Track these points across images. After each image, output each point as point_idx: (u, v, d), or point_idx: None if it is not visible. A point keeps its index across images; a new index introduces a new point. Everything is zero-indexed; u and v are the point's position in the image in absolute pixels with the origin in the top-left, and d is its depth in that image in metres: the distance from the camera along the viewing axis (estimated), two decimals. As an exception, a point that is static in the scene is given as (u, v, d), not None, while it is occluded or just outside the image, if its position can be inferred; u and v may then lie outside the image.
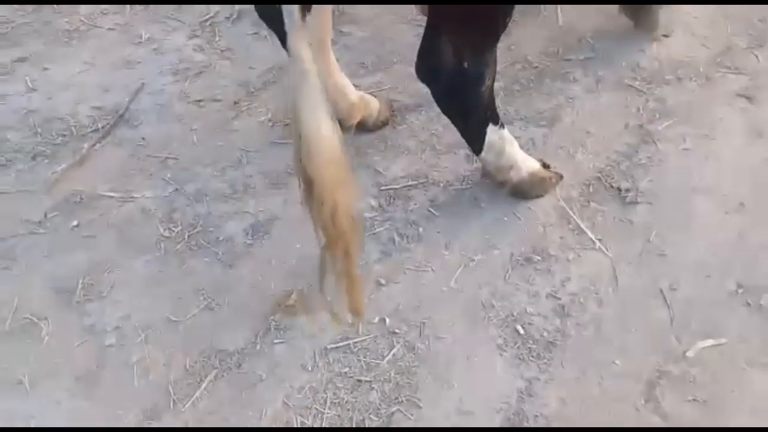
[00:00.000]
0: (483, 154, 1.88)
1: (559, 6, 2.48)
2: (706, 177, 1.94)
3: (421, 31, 2.39)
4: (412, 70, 2.31)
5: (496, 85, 2.14)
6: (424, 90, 2.24)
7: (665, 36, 2.33)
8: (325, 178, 1.43)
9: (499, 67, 2.29)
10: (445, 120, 2.17)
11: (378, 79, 2.36)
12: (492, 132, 1.83)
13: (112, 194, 2.09)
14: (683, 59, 2.24)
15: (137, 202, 2.07)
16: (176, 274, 1.91)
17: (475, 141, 1.86)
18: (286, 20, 1.45)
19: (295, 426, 1.61)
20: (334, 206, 1.44)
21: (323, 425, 1.60)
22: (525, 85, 2.28)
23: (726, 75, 2.18)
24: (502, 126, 1.87)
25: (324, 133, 1.43)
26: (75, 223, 2.03)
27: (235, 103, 2.33)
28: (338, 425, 1.61)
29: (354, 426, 1.60)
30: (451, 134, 2.13)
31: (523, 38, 2.41)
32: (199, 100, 2.35)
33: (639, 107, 2.14)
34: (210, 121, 2.29)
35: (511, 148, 1.90)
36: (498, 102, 2.17)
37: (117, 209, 2.05)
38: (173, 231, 2.00)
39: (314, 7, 1.56)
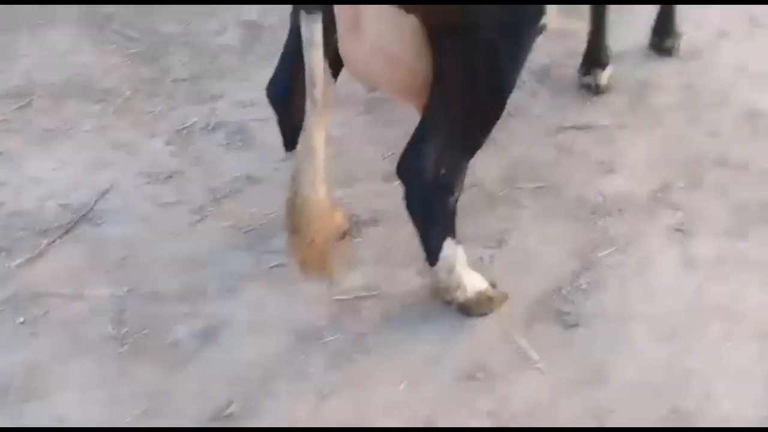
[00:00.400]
0: (436, 267, 1.96)
1: (514, 137, 2.66)
2: (643, 304, 2.03)
3: (384, 152, 2.61)
4: (373, 187, 2.48)
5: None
6: (383, 207, 2.39)
7: (611, 171, 2.49)
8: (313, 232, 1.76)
9: (456, 187, 2.46)
10: (401, 236, 2.28)
11: (340, 194, 2.47)
12: (448, 246, 1.93)
13: (63, 292, 2.11)
14: (625, 194, 2.39)
15: (88, 301, 2.09)
16: (118, 376, 1.90)
17: (432, 251, 1.94)
18: (308, 107, 1.72)
19: None
20: (319, 255, 1.79)
21: None
22: (479, 208, 2.39)
23: (663, 210, 2.32)
24: (458, 243, 1.97)
25: (319, 197, 1.78)
26: (21, 319, 2.03)
27: (200, 208, 2.41)
28: None
29: None
30: (406, 250, 2.23)
31: (480, 164, 2.55)
32: (166, 203, 2.43)
33: (583, 235, 2.26)
34: (174, 224, 2.36)
35: (462, 268, 1.99)
36: (454, 221, 2.28)
37: (67, 307, 2.07)
38: (120, 332, 2.01)
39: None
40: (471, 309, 2.01)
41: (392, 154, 2.59)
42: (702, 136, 2.62)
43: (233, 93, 2.87)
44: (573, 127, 2.69)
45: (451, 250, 1.93)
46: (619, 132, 2.66)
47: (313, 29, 1.66)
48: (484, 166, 2.54)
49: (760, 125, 2.65)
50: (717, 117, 2.70)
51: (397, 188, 2.45)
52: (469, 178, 2.46)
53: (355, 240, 2.29)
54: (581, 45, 2.93)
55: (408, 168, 1.83)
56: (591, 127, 2.69)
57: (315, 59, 1.67)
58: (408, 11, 1.60)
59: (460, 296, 1.99)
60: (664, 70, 2.91)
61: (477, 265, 2.16)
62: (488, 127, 1.82)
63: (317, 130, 1.71)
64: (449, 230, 1.92)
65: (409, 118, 2.69)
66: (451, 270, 1.96)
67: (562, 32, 3.07)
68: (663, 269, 2.14)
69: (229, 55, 3.06)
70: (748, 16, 3.23)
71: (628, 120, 2.71)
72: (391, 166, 2.53)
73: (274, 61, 2.96)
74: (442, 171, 1.78)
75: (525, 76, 2.91)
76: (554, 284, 2.11)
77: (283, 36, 3.08)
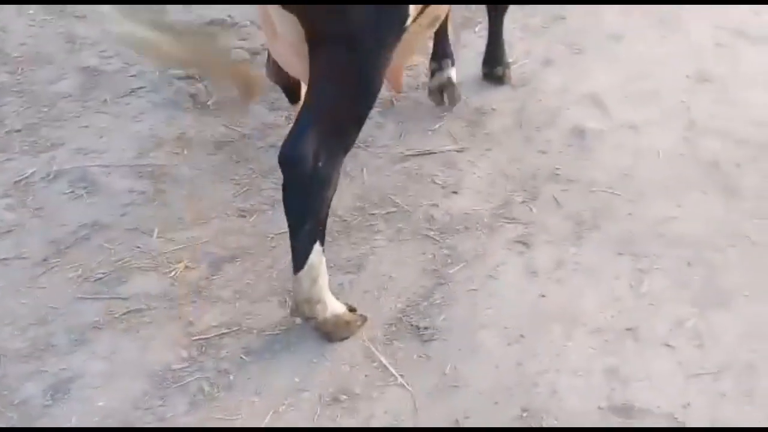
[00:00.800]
0: (301, 273, 1.97)
1: (365, 168, 2.75)
2: (491, 313, 2.16)
3: (237, 189, 2.62)
4: (228, 224, 2.47)
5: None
6: (240, 243, 2.39)
7: (455, 193, 2.63)
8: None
9: (310, 222, 2.50)
10: (259, 270, 2.29)
11: (195, 233, 2.44)
12: (316, 252, 1.98)
13: None
14: (470, 212, 2.53)
15: None
16: (-39, 442, 1.77)
17: (300, 254, 1.97)
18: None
19: None
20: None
21: None
22: (335, 237, 2.44)
23: (505, 225, 2.48)
24: (323, 253, 2.00)
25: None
26: None
27: (44, 260, 2.29)
28: None
29: None
30: (265, 283, 2.25)
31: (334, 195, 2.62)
32: (4, 259, 2.29)
33: (434, 254, 2.37)
34: (15, 279, 2.23)
35: (324, 282, 2.02)
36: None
37: None
38: (-38, 397, 1.87)
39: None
40: (330, 333, 2.05)
41: (246, 190, 2.62)
42: (535, 155, 2.83)
43: (73, 140, 2.77)
44: (418, 154, 2.82)
45: (317, 257, 1.98)
46: (461, 156, 2.82)
47: None
48: (338, 196, 2.59)
49: (585, 142, 2.90)
50: (547, 136, 2.93)
51: (253, 223, 2.49)
52: (323, 209, 2.55)
53: (212, 278, 2.27)
54: (421, 77, 3.11)
55: (288, 157, 1.89)
56: (434, 153, 2.83)
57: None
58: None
59: (320, 312, 2.01)
60: (497, 97, 3.11)
61: (338, 290, 2.21)
62: (359, 122, 1.98)
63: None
64: (319, 233, 1.98)
65: (259, 156, 2.75)
66: (314, 281, 1.98)
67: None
68: (508, 279, 2.28)
69: (67, 102, 2.94)
70: (569, 44, 3.56)
71: (467, 144, 2.87)
72: (244, 203, 2.57)
73: (116, 107, 2.94)
74: (320, 163, 1.87)
75: (370, 109, 3.04)
76: (411, 302, 2.20)
77: (123, 80, 3.07)
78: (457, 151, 2.84)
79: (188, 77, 3.10)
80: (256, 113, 2.95)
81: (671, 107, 3.14)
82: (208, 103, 2.98)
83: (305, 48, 1.86)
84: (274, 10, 1.88)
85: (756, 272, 2.31)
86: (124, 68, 3.11)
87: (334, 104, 1.89)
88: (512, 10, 3.23)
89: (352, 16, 1.78)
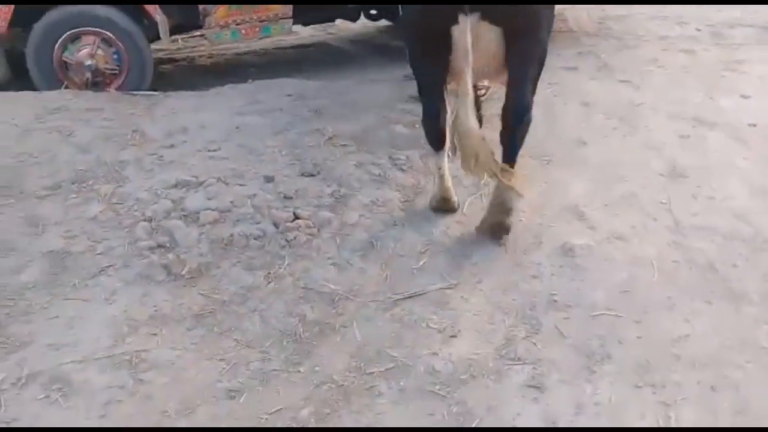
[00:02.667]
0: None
1: (355, 321, 2.61)
2: (518, 480, 1.98)
3: (223, 366, 2.44)
4: (217, 410, 2.28)
5: (305, 411, 2.15)
6: None
7: (453, 336, 2.50)
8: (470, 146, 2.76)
9: (305, 392, 2.33)
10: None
11: (182, 426, 2.25)
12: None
13: None
14: (472, 357, 2.39)
15: None
16: None
17: (516, 151, 2.93)
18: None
19: None
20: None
21: None
22: (334, 407, 2.27)
23: (512, 367, 2.34)
24: None
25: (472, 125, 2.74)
26: None
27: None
28: None
29: None
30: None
31: (325, 358, 2.47)
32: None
33: (444, 414, 2.20)
34: None
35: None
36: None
37: None
38: None
39: None
40: None
41: (232, 366, 2.44)
42: (528, 281, 2.73)
43: (43, 335, 2.59)
44: (407, 297, 2.70)
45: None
46: (452, 292, 2.70)
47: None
48: (330, 360, 2.45)
49: (575, 260, 2.81)
50: (536, 259, 2.84)
51: (244, 405, 2.30)
52: (317, 376, 2.39)
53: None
54: (395, 212, 3.05)
55: (521, 109, 2.84)
56: (424, 293, 2.71)
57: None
58: (497, 25, 2.73)
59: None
60: (477, 220, 3.03)
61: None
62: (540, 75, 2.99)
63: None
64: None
65: (242, 324, 2.60)
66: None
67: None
68: (528, 434, 2.12)
69: (34, 292, 2.78)
70: (537, 155, 3.55)
71: (456, 279, 2.77)
72: (231, 381, 2.39)
73: (85, 291, 2.78)
74: (531, 99, 2.90)
75: (348, 255, 2.93)
76: (427, 478, 2.01)
77: (91, 260, 2.92)
78: (447, 288, 2.73)
79: (159, 246, 2.98)
80: (232, 277, 2.83)
81: (652, 209, 3.10)
82: (182, 272, 2.85)
83: (497, 51, 2.77)
84: (483, 27, 2.70)
85: (783, 388, 2.19)
86: (91, 247, 2.98)
87: (533, 70, 2.87)
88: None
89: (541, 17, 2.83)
